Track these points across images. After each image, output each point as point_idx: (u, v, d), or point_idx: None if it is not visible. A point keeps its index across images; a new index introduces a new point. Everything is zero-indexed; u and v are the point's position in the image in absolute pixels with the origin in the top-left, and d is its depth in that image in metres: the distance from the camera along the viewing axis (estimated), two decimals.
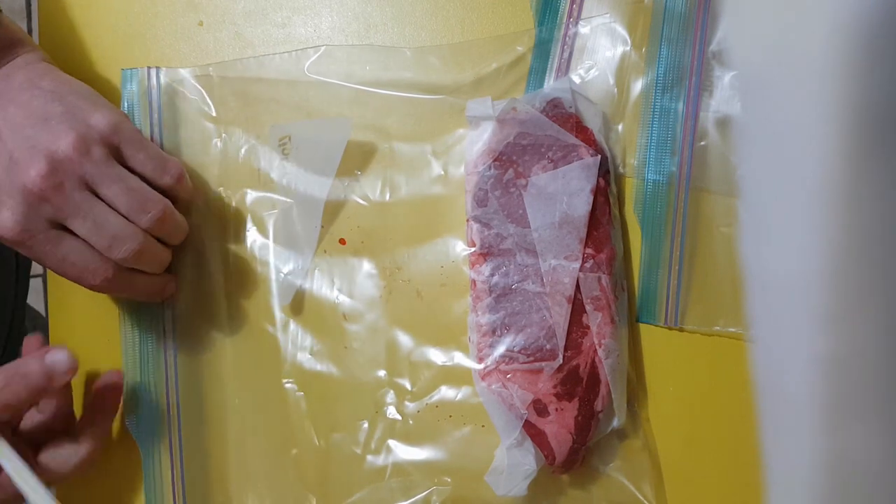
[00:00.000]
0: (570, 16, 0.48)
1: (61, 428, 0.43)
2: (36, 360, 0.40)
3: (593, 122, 0.46)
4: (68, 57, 0.50)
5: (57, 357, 0.40)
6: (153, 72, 0.48)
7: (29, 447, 0.42)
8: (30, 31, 1.29)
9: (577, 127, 0.46)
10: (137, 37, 0.50)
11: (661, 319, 0.46)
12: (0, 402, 0.39)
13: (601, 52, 0.48)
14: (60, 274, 0.42)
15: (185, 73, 0.49)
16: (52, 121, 0.40)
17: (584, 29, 0.48)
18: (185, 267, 0.48)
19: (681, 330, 0.47)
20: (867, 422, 0.25)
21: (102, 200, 0.41)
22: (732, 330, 0.46)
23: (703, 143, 0.46)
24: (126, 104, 0.48)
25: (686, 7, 0.46)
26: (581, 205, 0.44)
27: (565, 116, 0.46)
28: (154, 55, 0.50)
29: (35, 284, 0.75)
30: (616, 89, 0.48)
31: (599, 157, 0.45)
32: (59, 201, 0.40)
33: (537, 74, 0.48)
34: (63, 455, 0.42)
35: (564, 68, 0.48)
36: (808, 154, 0.24)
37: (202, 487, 0.47)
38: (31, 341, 0.43)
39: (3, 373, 0.39)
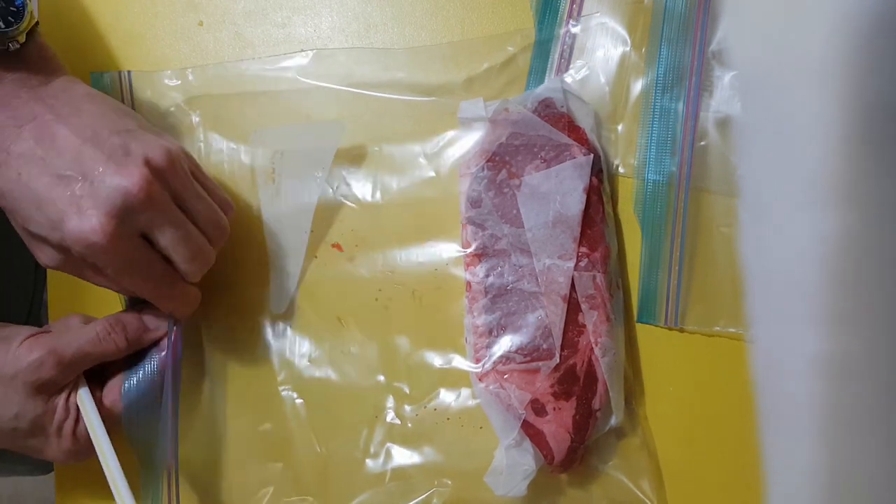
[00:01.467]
0: (569, 16, 0.48)
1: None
2: (134, 316, 0.44)
3: (585, 122, 0.46)
4: (68, 57, 0.49)
5: (153, 315, 0.44)
6: (125, 75, 0.48)
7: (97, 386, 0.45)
8: None
9: (570, 126, 0.46)
10: (137, 37, 0.50)
11: (661, 320, 0.46)
12: (101, 350, 0.42)
13: (601, 52, 0.48)
14: (132, 286, 0.41)
15: (159, 76, 0.48)
16: (135, 133, 0.40)
17: (583, 29, 0.48)
18: None
19: (681, 330, 0.47)
20: (867, 422, 0.25)
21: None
22: (732, 330, 0.46)
23: (703, 143, 0.46)
24: None
25: (686, 7, 0.46)
26: (574, 204, 0.44)
27: (557, 116, 0.46)
28: (154, 55, 0.50)
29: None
30: (616, 89, 0.48)
31: (592, 155, 0.45)
32: (160, 207, 0.39)
33: (537, 74, 0.48)
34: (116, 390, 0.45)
35: (564, 68, 0.48)
36: (808, 154, 0.24)
37: (197, 496, 0.47)
38: None
39: (105, 323, 0.43)
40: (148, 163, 0.39)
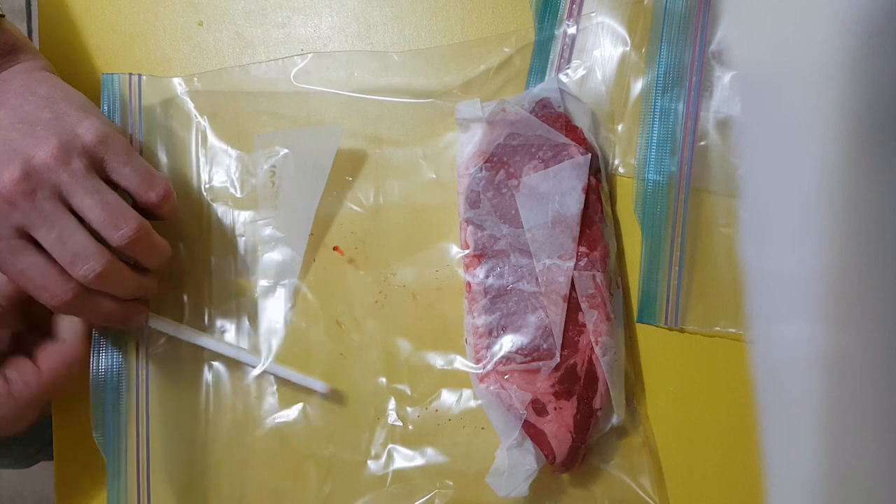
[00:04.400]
0: (570, 15, 0.48)
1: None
2: None
3: (582, 121, 0.47)
4: (68, 57, 0.50)
5: None
6: (135, 78, 0.48)
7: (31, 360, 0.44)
8: (30, 31, 1.29)
9: (567, 126, 0.46)
10: (137, 37, 0.50)
11: (661, 320, 0.46)
12: None
13: (601, 52, 0.48)
14: (20, 287, 0.41)
15: (168, 82, 0.48)
16: (38, 126, 0.40)
17: (583, 29, 0.48)
18: (164, 278, 0.47)
19: (681, 330, 0.47)
20: (866, 422, 0.25)
21: (76, 214, 0.40)
22: (733, 330, 0.46)
23: (703, 143, 0.46)
24: (106, 110, 0.47)
25: (686, 7, 0.46)
26: (573, 203, 0.45)
27: (554, 116, 0.46)
28: (154, 55, 0.50)
29: None
30: (615, 89, 0.48)
31: (590, 155, 0.45)
32: (27, 208, 0.39)
33: (537, 74, 0.48)
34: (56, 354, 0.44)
35: (564, 68, 0.48)
36: (809, 154, 0.24)
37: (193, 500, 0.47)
38: None
39: None
40: (27, 161, 0.38)
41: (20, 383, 0.42)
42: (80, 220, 0.40)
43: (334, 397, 0.47)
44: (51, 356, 0.44)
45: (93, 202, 0.40)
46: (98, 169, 0.41)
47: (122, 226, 0.40)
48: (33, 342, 0.44)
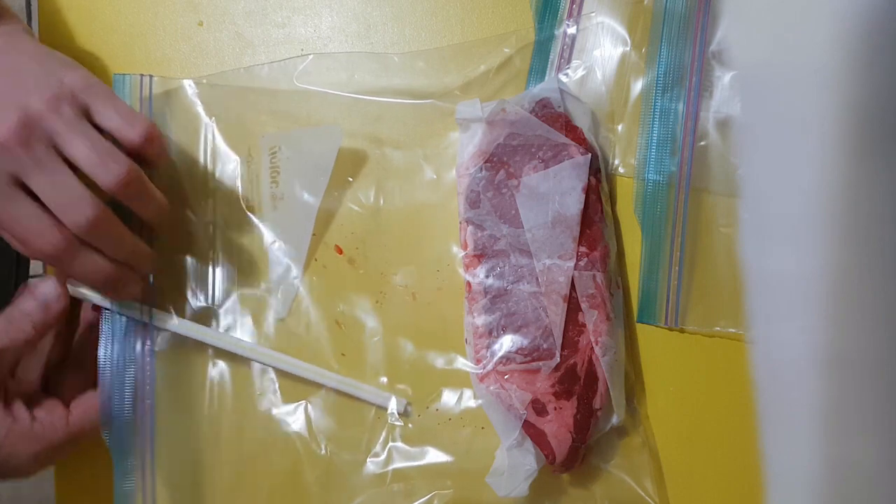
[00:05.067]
0: (570, 15, 0.48)
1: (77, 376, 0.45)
2: (28, 297, 0.42)
3: (582, 121, 0.47)
4: (68, 56, 0.50)
5: (45, 289, 0.42)
6: (146, 79, 0.48)
7: (63, 403, 0.43)
8: None
9: (567, 126, 0.46)
10: (137, 37, 0.50)
11: (661, 320, 0.46)
12: (10, 340, 0.41)
13: (601, 52, 0.48)
14: (9, 236, 0.40)
15: (177, 82, 0.48)
16: (28, 78, 0.40)
17: (583, 29, 0.48)
18: (169, 278, 0.47)
19: (681, 330, 0.47)
20: (866, 421, 0.25)
21: (68, 162, 0.40)
22: (733, 331, 0.46)
23: (703, 143, 0.46)
24: None
25: (686, 7, 0.46)
26: (573, 203, 0.45)
27: (554, 116, 0.46)
28: (154, 55, 0.50)
29: (35, 266, 0.74)
30: (615, 89, 0.48)
31: (590, 155, 0.45)
32: (23, 155, 0.39)
33: (537, 74, 0.48)
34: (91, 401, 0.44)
35: (564, 68, 0.48)
36: (808, 154, 0.24)
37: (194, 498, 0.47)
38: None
39: (4, 316, 0.42)
40: (21, 110, 0.39)
41: (46, 423, 0.42)
42: (74, 170, 0.40)
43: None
44: (83, 403, 0.43)
45: (83, 146, 0.40)
46: (86, 116, 0.41)
47: (112, 167, 0.40)
48: (69, 383, 0.45)
